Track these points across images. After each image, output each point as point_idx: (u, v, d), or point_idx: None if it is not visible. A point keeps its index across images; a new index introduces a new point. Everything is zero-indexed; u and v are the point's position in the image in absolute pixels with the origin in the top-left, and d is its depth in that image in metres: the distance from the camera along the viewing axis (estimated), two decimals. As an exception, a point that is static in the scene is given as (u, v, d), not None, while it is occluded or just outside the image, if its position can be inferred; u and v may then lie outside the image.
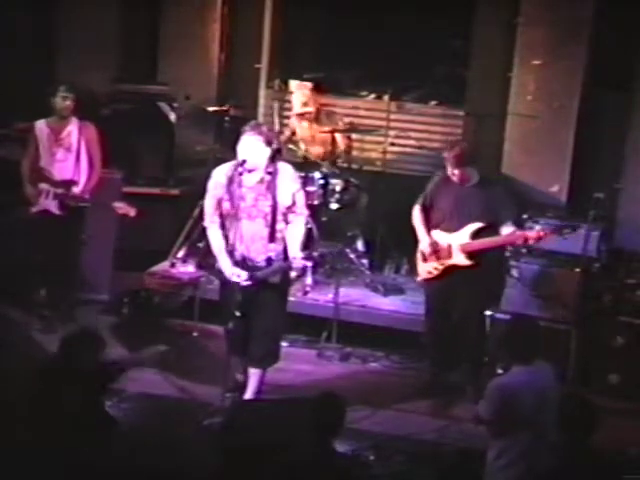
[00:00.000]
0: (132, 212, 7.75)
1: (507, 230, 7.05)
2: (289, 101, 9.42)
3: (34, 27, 9.69)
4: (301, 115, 8.96)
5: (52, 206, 7.89)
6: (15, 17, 9.49)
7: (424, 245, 7.20)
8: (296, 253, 6.53)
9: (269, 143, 6.51)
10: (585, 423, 4.92)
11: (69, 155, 7.91)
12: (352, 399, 6.88)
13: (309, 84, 9.03)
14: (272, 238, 6.56)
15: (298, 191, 6.64)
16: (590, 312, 7.71)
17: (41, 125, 7.95)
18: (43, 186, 7.89)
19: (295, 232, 6.61)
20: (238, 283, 6.47)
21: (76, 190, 7.90)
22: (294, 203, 6.58)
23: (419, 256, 7.28)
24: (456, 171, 7.04)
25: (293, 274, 6.99)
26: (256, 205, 6.54)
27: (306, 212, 6.75)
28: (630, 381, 7.52)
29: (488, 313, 7.72)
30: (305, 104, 8.93)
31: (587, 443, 4.87)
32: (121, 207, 7.78)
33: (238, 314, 6.46)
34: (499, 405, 5.36)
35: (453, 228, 7.12)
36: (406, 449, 6.52)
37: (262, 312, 6.59)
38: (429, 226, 7.23)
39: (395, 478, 6.25)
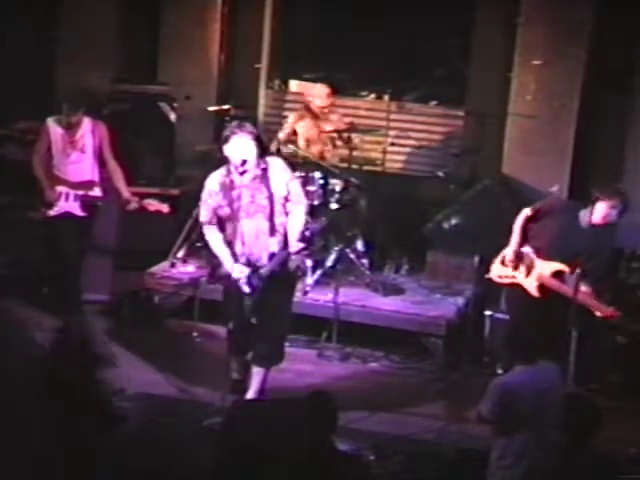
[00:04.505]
0: (165, 209, 7.72)
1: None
2: (289, 101, 9.41)
3: (34, 27, 9.69)
4: (302, 115, 8.95)
5: (74, 208, 7.87)
6: (15, 17, 9.49)
7: (510, 251, 6.99)
8: (294, 240, 6.55)
9: (257, 139, 6.55)
10: (586, 423, 4.92)
11: (83, 156, 7.86)
12: (352, 399, 6.92)
13: (326, 87, 8.99)
14: (272, 232, 6.58)
15: (291, 180, 6.67)
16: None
17: (54, 125, 7.86)
18: (61, 189, 7.87)
19: (294, 222, 6.61)
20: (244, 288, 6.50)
21: (94, 190, 7.90)
22: (289, 192, 6.61)
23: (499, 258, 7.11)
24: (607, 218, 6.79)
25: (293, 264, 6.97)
26: (254, 201, 6.56)
27: (305, 201, 6.75)
28: (630, 381, 7.52)
29: (488, 313, 7.75)
30: (322, 107, 8.91)
31: (587, 443, 4.87)
32: (152, 204, 7.75)
33: (254, 321, 6.47)
34: (500, 404, 5.37)
35: (551, 258, 6.90)
36: (406, 449, 6.52)
37: (269, 312, 6.60)
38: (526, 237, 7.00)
39: (395, 478, 6.25)
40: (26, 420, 4.93)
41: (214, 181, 6.63)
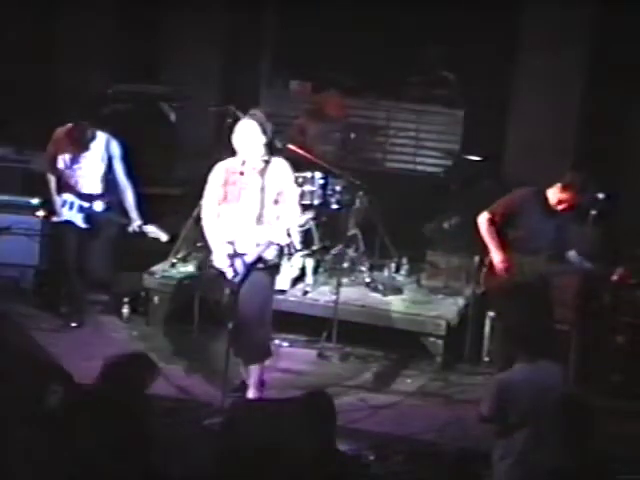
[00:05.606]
0: (164, 237, 7.56)
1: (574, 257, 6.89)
2: (290, 101, 9.41)
3: (34, 27, 9.69)
4: (312, 117, 8.97)
5: (77, 219, 7.89)
6: (16, 17, 9.50)
7: (498, 261, 6.95)
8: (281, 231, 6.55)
9: (264, 130, 6.61)
10: (585, 423, 4.92)
11: (93, 170, 7.86)
12: (352, 399, 6.92)
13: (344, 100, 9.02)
14: (259, 222, 6.60)
15: (289, 184, 6.69)
16: (590, 312, 7.71)
17: (64, 137, 7.82)
18: (67, 197, 7.89)
19: (280, 226, 6.57)
20: (226, 278, 6.61)
21: (99, 204, 7.89)
22: (281, 192, 6.62)
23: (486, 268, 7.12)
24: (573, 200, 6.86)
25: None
26: (246, 188, 6.62)
27: (296, 209, 6.67)
28: (630, 381, 7.52)
29: (490, 313, 7.75)
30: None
31: (587, 443, 4.87)
32: (152, 231, 7.62)
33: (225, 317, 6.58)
34: (500, 402, 5.37)
35: (532, 252, 6.91)
36: (406, 449, 6.52)
37: (247, 306, 6.62)
38: (501, 241, 6.97)
39: (395, 478, 6.25)
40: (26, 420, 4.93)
41: (222, 164, 6.78)
